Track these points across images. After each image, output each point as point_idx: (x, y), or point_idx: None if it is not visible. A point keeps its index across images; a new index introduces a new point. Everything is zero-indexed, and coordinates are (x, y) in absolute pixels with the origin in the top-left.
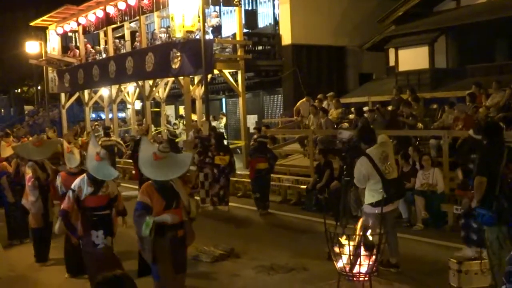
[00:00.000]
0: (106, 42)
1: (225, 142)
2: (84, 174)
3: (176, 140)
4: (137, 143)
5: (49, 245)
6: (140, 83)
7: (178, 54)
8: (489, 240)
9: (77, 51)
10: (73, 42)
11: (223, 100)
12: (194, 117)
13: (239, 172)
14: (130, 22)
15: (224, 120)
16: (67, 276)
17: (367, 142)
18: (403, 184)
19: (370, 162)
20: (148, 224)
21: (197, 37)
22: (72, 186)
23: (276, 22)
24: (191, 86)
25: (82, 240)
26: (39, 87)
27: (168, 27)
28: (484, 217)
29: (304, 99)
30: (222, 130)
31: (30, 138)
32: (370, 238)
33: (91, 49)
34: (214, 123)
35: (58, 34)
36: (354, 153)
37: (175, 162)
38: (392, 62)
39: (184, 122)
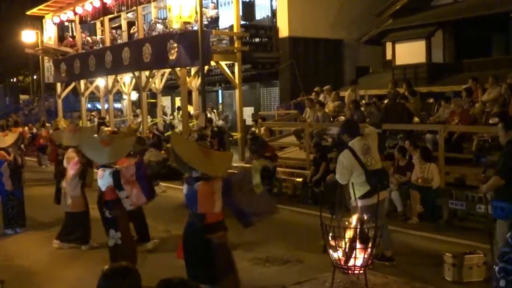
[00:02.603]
0: (102, 32)
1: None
2: (104, 172)
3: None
4: None
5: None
6: (136, 73)
7: (175, 45)
8: (498, 234)
9: (71, 39)
10: (70, 31)
11: (220, 92)
12: (190, 108)
13: (234, 165)
14: (127, 13)
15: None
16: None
17: (350, 135)
18: (387, 175)
19: (352, 154)
20: (256, 167)
21: (194, 28)
22: (111, 183)
23: (274, 14)
24: (187, 78)
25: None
26: (35, 77)
27: (165, 18)
28: (497, 209)
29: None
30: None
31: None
32: (366, 231)
33: (88, 37)
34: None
35: (54, 24)
36: (342, 147)
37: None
38: (389, 56)
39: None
